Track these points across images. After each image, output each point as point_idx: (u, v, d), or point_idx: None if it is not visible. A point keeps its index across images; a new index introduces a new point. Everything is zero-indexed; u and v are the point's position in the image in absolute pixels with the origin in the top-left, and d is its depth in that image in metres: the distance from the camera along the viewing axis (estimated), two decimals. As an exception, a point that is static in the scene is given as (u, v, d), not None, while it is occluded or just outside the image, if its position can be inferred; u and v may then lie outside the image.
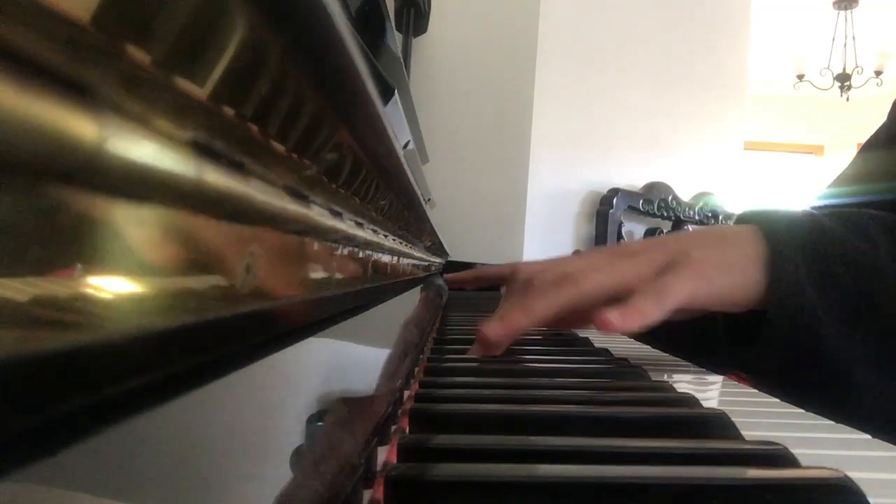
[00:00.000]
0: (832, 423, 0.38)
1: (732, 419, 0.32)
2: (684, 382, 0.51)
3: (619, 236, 2.31)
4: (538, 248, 1.99)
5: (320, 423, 0.21)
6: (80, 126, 0.08)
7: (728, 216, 2.63)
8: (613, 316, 0.46)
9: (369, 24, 0.61)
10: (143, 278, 0.11)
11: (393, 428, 0.29)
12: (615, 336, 0.75)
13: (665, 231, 2.48)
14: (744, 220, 0.57)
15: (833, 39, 4.28)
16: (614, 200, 2.31)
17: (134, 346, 0.11)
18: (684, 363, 0.60)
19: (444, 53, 1.97)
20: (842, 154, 5.04)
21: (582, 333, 0.72)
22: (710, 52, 2.62)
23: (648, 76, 2.44)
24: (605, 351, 0.58)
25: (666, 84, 2.49)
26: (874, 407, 0.49)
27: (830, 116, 5.37)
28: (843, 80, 4.36)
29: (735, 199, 2.70)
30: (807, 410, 0.41)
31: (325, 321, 0.26)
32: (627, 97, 2.39)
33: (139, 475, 0.11)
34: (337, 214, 0.25)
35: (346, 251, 0.29)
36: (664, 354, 0.64)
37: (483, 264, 1.49)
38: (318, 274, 0.24)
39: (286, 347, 0.20)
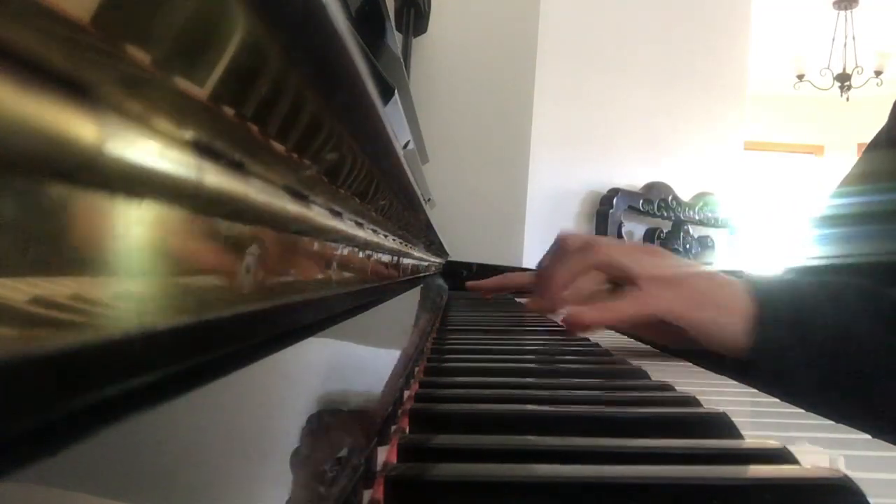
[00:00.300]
0: (832, 423, 0.38)
1: (732, 419, 0.31)
2: (685, 382, 0.51)
3: (620, 236, 2.31)
4: (538, 248, 1.99)
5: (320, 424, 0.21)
6: (80, 126, 0.08)
7: (728, 218, 2.63)
8: (588, 313, 0.60)
9: (369, 24, 0.61)
10: (143, 278, 0.11)
11: (393, 428, 0.29)
12: (616, 336, 0.75)
13: (665, 231, 2.48)
14: (740, 278, 0.64)
15: (833, 39, 4.28)
16: (614, 200, 2.31)
17: (134, 346, 0.11)
18: (684, 363, 0.60)
19: (444, 53, 1.97)
20: (842, 154, 5.05)
21: (582, 333, 0.72)
22: (710, 52, 2.62)
23: (648, 76, 2.44)
24: (606, 352, 0.58)
25: (666, 84, 2.49)
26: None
27: (830, 116, 5.37)
28: (843, 80, 4.36)
29: (735, 199, 2.70)
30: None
31: (325, 321, 0.26)
32: (627, 97, 2.39)
33: (139, 475, 0.11)
34: (337, 214, 0.25)
35: (346, 251, 0.29)
36: (664, 354, 0.64)
37: (486, 265, 1.49)
38: (317, 274, 0.24)
39: (286, 347, 0.20)
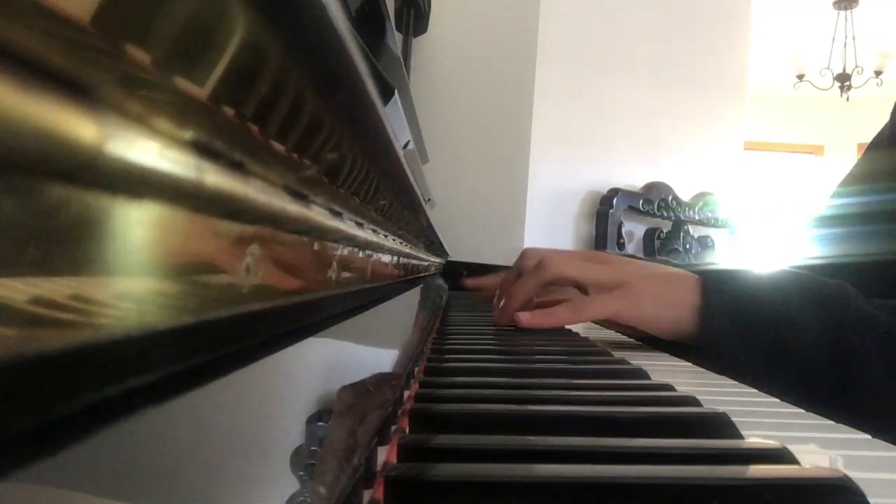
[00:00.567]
0: (832, 423, 0.38)
1: (732, 419, 0.31)
2: (685, 382, 0.51)
3: (620, 236, 2.31)
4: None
5: (321, 423, 0.21)
6: (80, 126, 0.08)
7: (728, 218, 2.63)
8: (525, 317, 0.70)
9: (369, 24, 0.61)
10: (143, 278, 0.11)
11: (393, 428, 0.29)
12: (617, 335, 0.76)
13: (665, 231, 2.48)
14: (699, 271, 0.69)
15: (833, 39, 4.28)
16: (614, 200, 2.30)
17: (134, 346, 0.11)
18: (684, 363, 0.60)
19: (444, 53, 1.97)
20: (842, 154, 5.05)
21: (583, 333, 0.73)
22: (710, 52, 2.62)
23: (648, 76, 2.44)
24: (606, 352, 0.58)
25: (666, 84, 2.49)
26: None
27: (830, 116, 5.36)
28: (843, 80, 4.36)
29: (735, 199, 2.70)
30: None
31: (325, 321, 0.26)
32: (627, 97, 2.39)
33: (139, 475, 0.11)
34: (337, 214, 0.25)
35: (346, 251, 0.29)
36: (664, 354, 0.65)
37: (485, 265, 1.49)
38: (317, 274, 0.24)
39: (286, 347, 0.20)
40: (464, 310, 1.03)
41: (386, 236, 0.41)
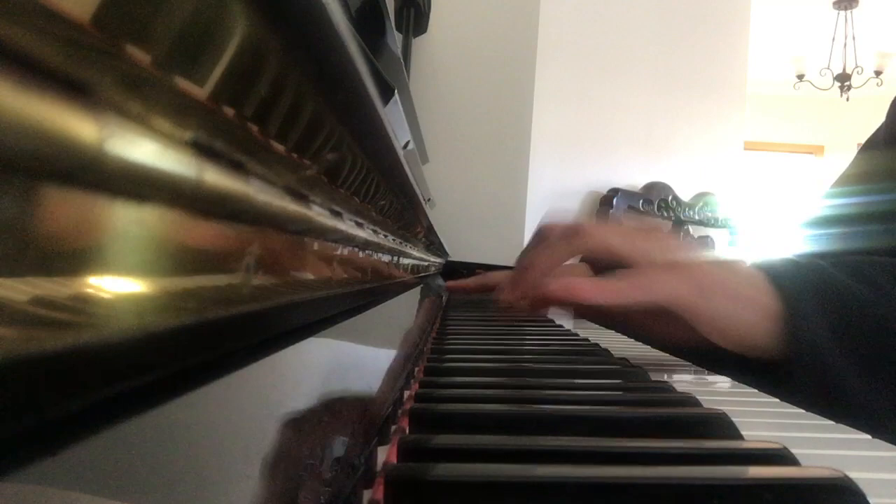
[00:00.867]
0: (832, 423, 0.38)
1: (732, 419, 0.31)
2: (684, 382, 0.51)
3: (619, 236, 2.31)
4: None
5: (321, 423, 0.21)
6: (80, 126, 0.08)
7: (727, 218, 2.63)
8: (585, 286, 0.49)
9: (369, 24, 0.61)
10: (143, 278, 0.11)
11: (393, 428, 0.29)
12: (616, 336, 0.75)
13: (665, 231, 2.48)
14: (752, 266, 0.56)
15: (833, 39, 4.28)
16: (614, 200, 2.30)
17: (134, 346, 0.11)
18: (684, 363, 0.59)
19: (444, 53, 1.97)
20: (842, 154, 5.04)
21: (583, 333, 0.72)
22: (710, 52, 2.62)
23: (648, 76, 2.44)
24: (606, 351, 0.58)
25: (666, 84, 2.49)
26: None
27: (830, 116, 5.37)
28: (843, 80, 4.35)
29: (735, 199, 2.70)
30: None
31: (325, 321, 0.26)
32: (627, 97, 2.39)
33: (139, 475, 0.11)
34: (337, 214, 0.25)
35: (345, 251, 0.29)
36: (664, 354, 0.64)
37: (481, 265, 1.49)
38: (317, 274, 0.24)
39: (286, 347, 0.20)
40: (464, 310, 1.03)
41: (386, 236, 0.41)
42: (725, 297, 0.50)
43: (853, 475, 0.23)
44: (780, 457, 0.26)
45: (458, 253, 1.51)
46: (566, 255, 0.56)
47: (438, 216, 1.08)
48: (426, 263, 0.88)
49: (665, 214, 2.46)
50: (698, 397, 0.37)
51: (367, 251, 0.36)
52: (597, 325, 0.81)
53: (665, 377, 0.50)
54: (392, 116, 0.35)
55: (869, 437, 0.34)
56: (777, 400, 0.44)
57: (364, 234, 0.32)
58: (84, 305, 0.10)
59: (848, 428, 0.36)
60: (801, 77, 4.48)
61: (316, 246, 0.24)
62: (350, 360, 0.30)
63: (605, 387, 0.43)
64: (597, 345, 0.62)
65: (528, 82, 2.03)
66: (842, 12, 4.22)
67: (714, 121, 2.66)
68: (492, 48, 2.01)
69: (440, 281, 1.20)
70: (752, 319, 0.50)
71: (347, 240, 0.29)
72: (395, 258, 0.50)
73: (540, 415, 0.32)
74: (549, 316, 0.84)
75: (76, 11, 0.08)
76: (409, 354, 0.44)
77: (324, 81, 0.17)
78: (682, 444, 0.28)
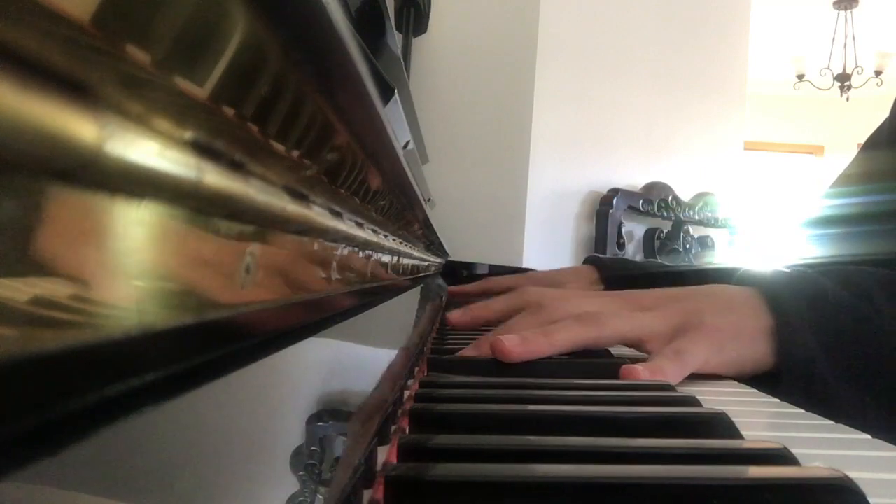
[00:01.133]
0: (832, 423, 0.38)
1: (732, 419, 0.31)
2: (684, 382, 0.51)
3: (620, 236, 2.31)
4: (538, 248, 1.99)
5: (321, 424, 0.21)
6: (80, 126, 0.08)
7: (728, 218, 2.63)
8: (643, 373, 0.47)
9: (369, 24, 0.61)
10: (144, 278, 0.11)
11: (393, 428, 0.29)
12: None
13: (665, 231, 2.48)
14: (743, 280, 0.58)
15: (833, 39, 4.28)
16: (614, 200, 2.30)
17: (134, 346, 0.11)
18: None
19: (444, 53, 1.97)
20: (842, 154, 5.04)
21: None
22: (710, 52, 2.62)
23: (648, 76, 2.44)
24: (606, 351, 0.58)
25: (666, 84, 2.49)
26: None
27: (830, 116, 5.37)
28: (843, 80, 4.36)
29: (735, 199, 2.70)
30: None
31: (325, 321, 0.26)
32: (627, 97, 2.39)
33: (139, 475, 0.11)
34: (337, 214, 0.25)
35: (345, 251, 0.29)
36: None
37: (486, 266, 1.49)
38: (317, 274, 0.24)
39: (286, 347, 0.20)
40: (464, 310, 1.02)
41: (386, 236, 0.41)
42: (734, 342, 0.52)
43: (853, 475, 0.23)
44: (780, 457, 0.26)
45: (458, 253, 1.51)
46: (581, 343, 0.53)
47: (438, 216, 1.08)
48: (426, 263, 0.88)
49: (665, 214, 2.46)
50: (698, 397, 0.37)
51: (367, 251, 0.36)
52: None
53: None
54: (392, 116, 0.35)
55: (869, 437, 0.34)
56: (777, 400, 0.44)
57: (364, 234, 0.32)
58: (84, 305, 0.10)
59: (848, 428, 0.36)
60: (801, 77, 4.48)
61: (316, 246, 0.24)
62: (350, 360, 0.30)
63: (605, 387, 0.43)
64: (602, 349, 0.62)
65: (528, 82, 2.03)
66: (842, 12, 4.22)
67: (714, 121, 2.66)
68: (492, 48, 2.01)
69: (440, 281, 1.20)
70: (755, 347, 0.52)
71: (347, 240, 0.29)
72: (396, 258, 0.50)
73: (540, 415, 0.32)
74: None
75: (76, 11, 0.08)
76: (409, 354, 0.44)
77: (324, 81, 0.17)
78: (682, 444, 0.28)
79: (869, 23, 4.21)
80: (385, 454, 0.26)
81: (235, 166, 0.14)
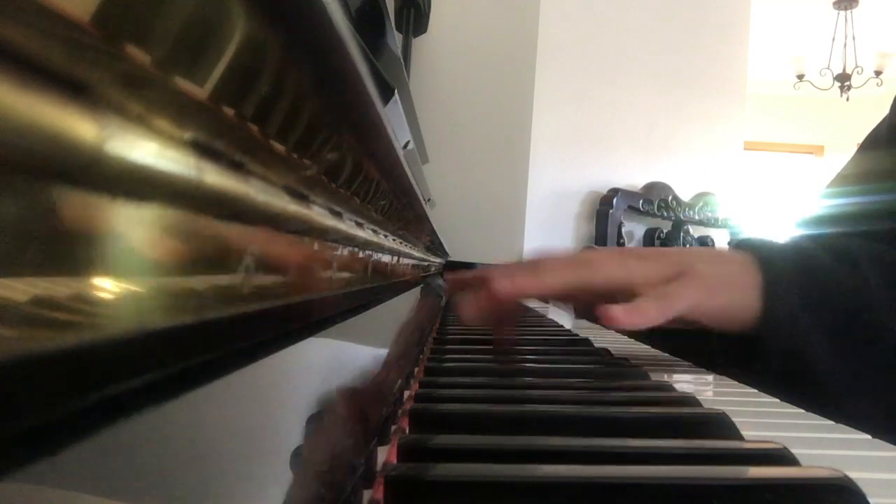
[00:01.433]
0: (832, 423, 0.38)
1: (732, 419, 0.31)
2: (684, 382, 0.51)
3: (620, 236, 2.31)
4: (538, 249, 1.99)
5: (321, 424, 0.21)
6: (80, 126, 0.08)
7: (727, 218, 2.63)
8: (619, 311, 0.49)
9: (369, 24, 0.61)
10: (144, 278, 0.11)
11: (393, 428, 0.29)
12: (616, 336, 0.75)
13: (665, 231, 2.48)
14: (738, 247, 0.59)
15: (833, 39, 4.28)
16: (614, 200, 2.31)
17: (134, 346, 0.11)
18: (684, 363, 0.60)
19: (444, 53, 1.97)
20: (842, 154, 5.03)
21: (582, 334, 0.73)
22: (710, 52, 2.62)
23: (648, 76, 2.44)
24: (606, 351, 0.58)
25: (666, 84, 2.49)
26: (870, 410, 0.50)
27: (830, 116, 5.36)
28: (843, 80, 4.35)
29: (735, 199, 2.70)
30: (806, 411, 0.41)
31: (325, 321, 0.26)
32: (627, 97, 2.39)
33: (139, 475, 0.11)
34: (337, 214, 0.25)
35: (345, 251, 0.29)
36: (664, 354, 0.64)
37: (483, 264, 1.49)
38: (317, 274, 0.24)
39: (286, 347, 0.20)
40: (464, 310, 1.02)
41: (386, 236, 0.41)
42: (724, 289, 0.54)
43: (853, 475, 0.23)
44: (781, 457, 0.26)
45: (458, 253, 1.51)
46: (569, 286, 0.54)
47: (438, 216, 1.08)
48: (426, 263, 0.88)
49: (665, 214, 2.46)
50: (698, 397, 0.37)
51: (367, 251, 0.36)
52: (597, 326, 0.81)
53: (665, 377, 0.50)
54: (392, 116, 0.35)
55: (869, 437, 0.34)
56: (777, 400, 0.44)
57: (364, 234, 0.32)
58: (84, 305, 0.10)
59: (848, 428, 0.36)
60: (801, 77, 4.47)
61: (316, 246, 0.24)
62: (350, 360, 0.30)
63: (605, 387, 0.43)
64: (602, 349, 0.62)
65: (528, 82, 2.03)
66: (842, 12, 4.22)
67: (714, 121, 2.66)
68: (492, 48, 2.01)
69: (440, 281, 1.20)
70: (743, 298, 0.54)
71: (347, 240, 0.29)
72: (395, 258, 0.50)
73: (540, 415, 0.32)
74: (550, 316, 0.84)
75: (76, 11, 0.08)
76: (409, 354, 0.44)
77: (324, 81, 0.17)
78: (682, 444, 0.28)
79: (869, 23, 4.21)
80: (385, 454, 0.26)
81: (235, 166, 0.14)
